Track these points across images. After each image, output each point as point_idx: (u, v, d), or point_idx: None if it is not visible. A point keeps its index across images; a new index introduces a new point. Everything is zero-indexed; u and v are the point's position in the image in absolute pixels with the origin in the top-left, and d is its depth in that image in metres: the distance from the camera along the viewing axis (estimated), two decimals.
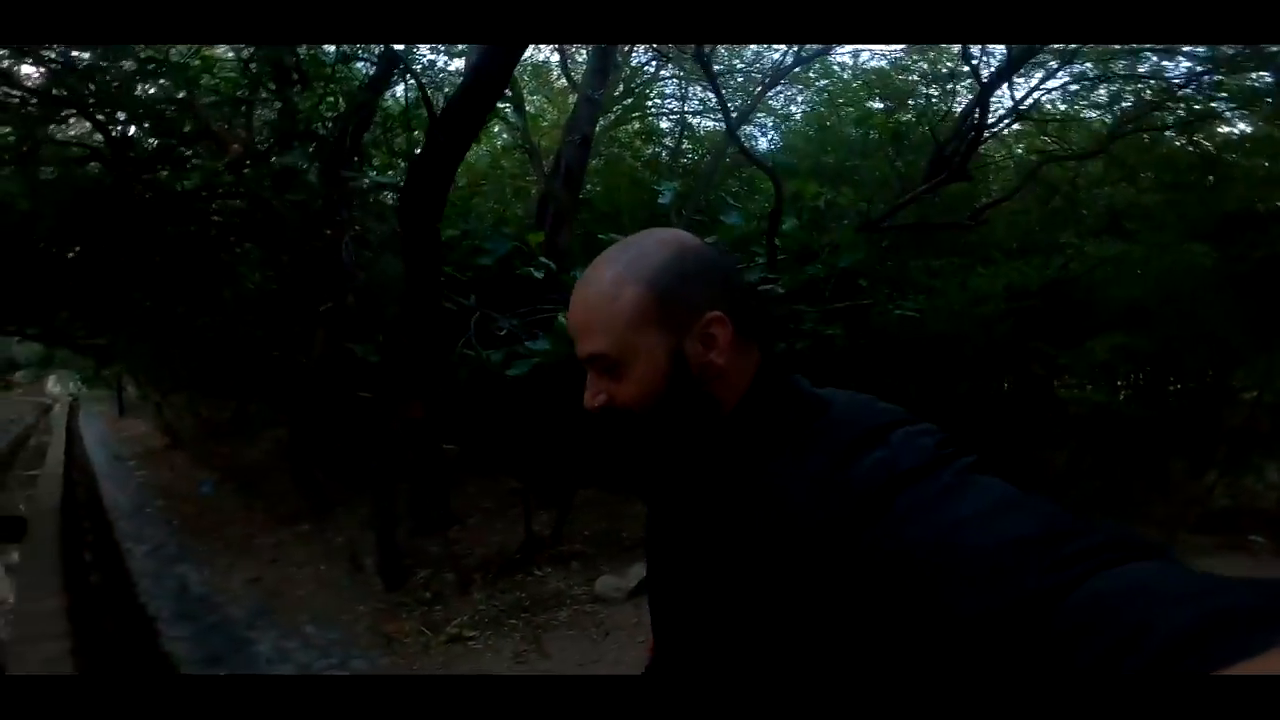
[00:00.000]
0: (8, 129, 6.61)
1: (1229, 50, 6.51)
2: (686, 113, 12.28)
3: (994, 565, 0.60)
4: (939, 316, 6.70)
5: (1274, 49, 6.08)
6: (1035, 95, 7.93)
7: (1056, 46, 6.89)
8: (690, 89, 12.09)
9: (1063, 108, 9.02)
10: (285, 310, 7.93)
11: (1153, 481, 7.63)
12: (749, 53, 11.50)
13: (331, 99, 7.18)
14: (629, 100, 11.45)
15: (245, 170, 6.78)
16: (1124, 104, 8.15)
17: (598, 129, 9.02)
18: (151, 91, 6.46)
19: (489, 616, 5.04)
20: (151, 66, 6.19)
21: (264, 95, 7.21)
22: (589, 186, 9.32)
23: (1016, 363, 7.86)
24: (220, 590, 5.81)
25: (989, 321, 6.73)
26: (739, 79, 11.50)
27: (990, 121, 6.98)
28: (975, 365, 7.45)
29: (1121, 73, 7.72)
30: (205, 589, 5.85)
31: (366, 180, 6.86)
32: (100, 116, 6.59)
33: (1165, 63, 7.54)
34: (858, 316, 6.66)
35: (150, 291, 8.51)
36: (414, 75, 6.26)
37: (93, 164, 7.23)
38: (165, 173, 7.50)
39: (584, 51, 10.15)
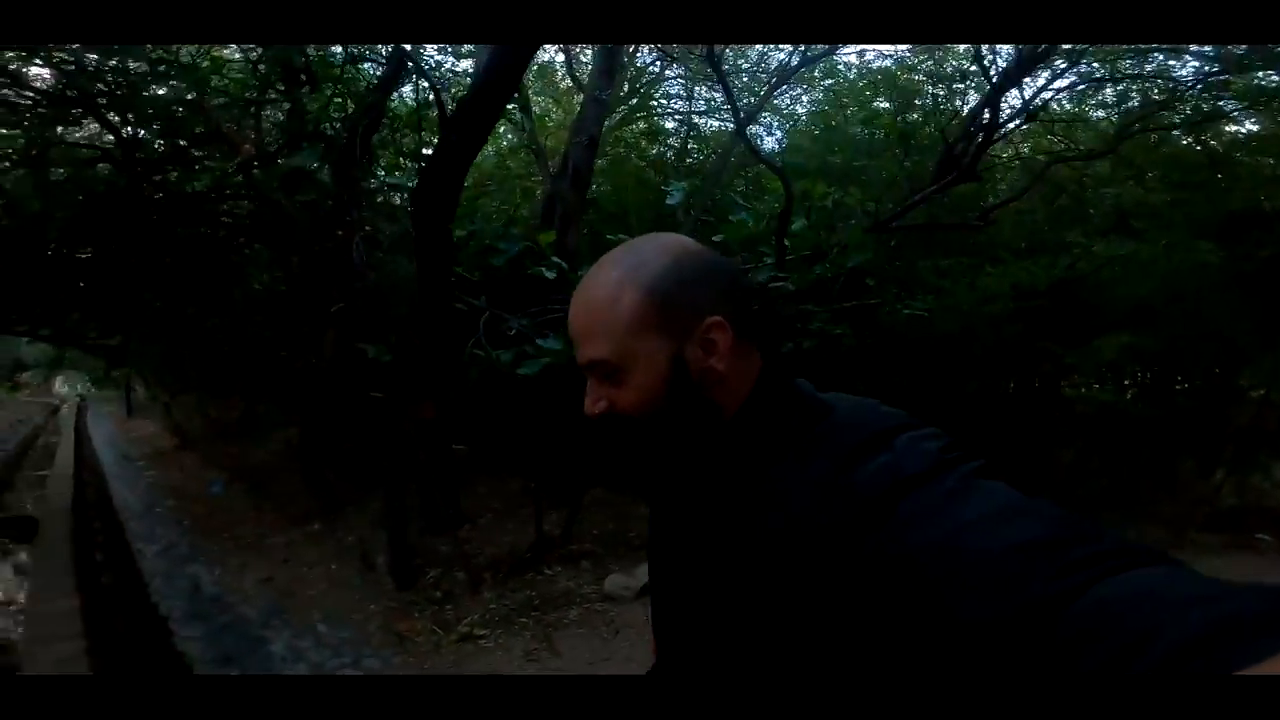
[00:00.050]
0: (16, 131, 6.65)
1: (1236, 50, 6.51)
2: (692, 113, 12.30)
3: (999, 571, 0.59)
4: (947, 316, 6.71)
5: None
6: (1043, 95, 7.92)
7: (1064, 47, 6.88)
8: (696, 89, 12.12)
9: (1069, 107, 9.04)
10: (294, 311, 7.96)
11: (1160, 481, 7.64)
12: (754, 53, 11.54)
13: (339, 100, 7.21)
14: (634, 100, 11.49)
15: (254, 171, 6.82)
16: (1131, 103, 8.17)
17: (603, 129, 9.03)
18: (161, 92, 6.49)
19: (500, 615, 5.06)
20: (162, 68, 6.22)
21: (272, 96, 7.25)
22: (595, 186, 9.35)
23: (1024, 362, 7.86)
24: (233, 590, 5.83)
25: (997, 321, 6.74)
26: (744, 79, 11.52)
27: (1000, 121, 6.98)
28: (983, 365, 7.46)
29: (1129, 72, 7.72)
30: (218, 589, 5.87)
31: (374, 180, 6.88)
32: (114, 117, 6.62)
33: (1172, 62, 7.56)
34: (865, 316, 6.67)
35: (160, 292, 8.54)
36: (427, 76, 6.27)
37: (103, 165, 7.26)
38: (175, 174, 7.53)
39: (588, 51, 10.18)
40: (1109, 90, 8.28)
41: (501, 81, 4.83)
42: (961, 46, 8.84)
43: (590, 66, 9.56)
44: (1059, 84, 8.12)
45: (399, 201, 7.69)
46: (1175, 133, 7.85)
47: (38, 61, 6.28)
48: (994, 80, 6.77)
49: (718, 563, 0.83)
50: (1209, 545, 6.13)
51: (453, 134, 4.95)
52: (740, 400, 0.85)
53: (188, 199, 7.66)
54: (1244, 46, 6.34)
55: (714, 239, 6.10)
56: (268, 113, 7.50)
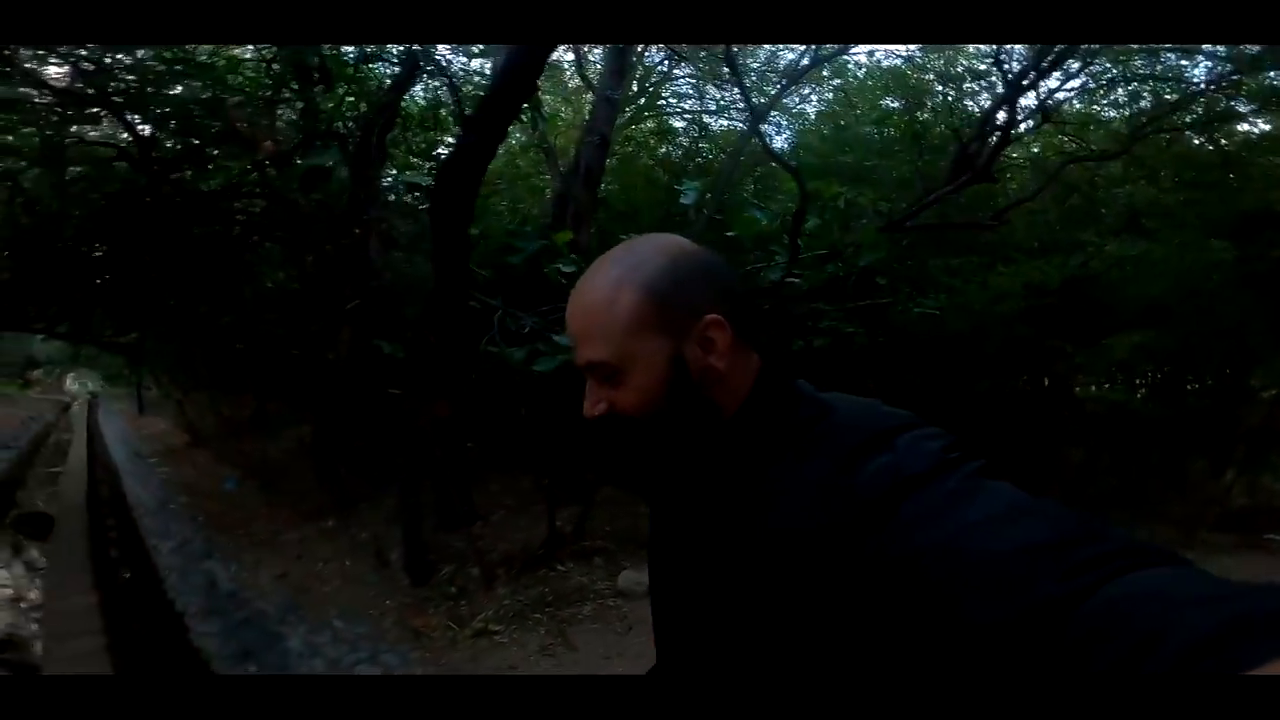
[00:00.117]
0: (31, 129, 6.71)
1: (1249, 50, 6.51)
2: (702, 112, 12.31)
3: (1006, 572, 0.58)
4: (958, 315, 6.72)
5: None
6: (1056, 96, 7.92)
7: (1077, 47, 6.88)
8: (706, 88, 12.13)
9: (1079, 108, 9.03)
10: (308, 308, 8.00)
11: (1170, 480, 7.64)
12: (762, 53, 11.54)
13: (352, 99, 7.25)
14: (643, 99, 11.51)
15: (268, 169, 6.87)
16: (1143, 103, 8.16)
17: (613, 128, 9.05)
18: (178, 91, 6.54)
19: (514, 611, 5.08)
20: (179, 68, 6.27)
21: (286, 95, 7.29)
22: (604, 185, 9.37)
23: (1035, 361, 7.86)
24: (248, 586, 5.86)
25: (1009, 320, 6.75)
26: (752, 78, 11.52)
27: (1015, 122, 6.99)
28: (994, 364, 7.47)
29: (1141, 72, 7.72)
30: (233, 585, 5.89)
31: (390, 178, 6.92)
32: (134, 117, 6.67)
33: (1184, 62, 7.55)
34: (877, 315, 6.68)
35: (175, 290, 8.60)
36: (447, 76, 6.31)
37: (120, 163, 7.32)
38: (190, 173, 7.59)
39: (596, 50, 10.19)
40: (1121, 90, 8.27)
41: (520, 81, 4.84)
42: (971, 47, 8.85)
43: (598, 65, 9.59)
44: (1072, 84, 8.13)
45: (410, 200, 7.74)
46: (1187, 133, 7.83)
47: (55, 61, 6.34)
48: (1009, 81, 6.77)
49: (717, 563, 0.83)
50: (1220, 545, 6.13)
51: (472, 133, 4.98)
52: (740, 400, 0.85)
53: (203, 197, 7.72)
54: (1256, 47, 6.34)
55: (727, 234, 6.13)
56: (280, 112, 7.55)
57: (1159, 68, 7.65)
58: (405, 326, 5.92)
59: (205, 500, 9.18)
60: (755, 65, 11.57)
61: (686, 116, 12.46)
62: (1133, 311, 6.88)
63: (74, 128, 7.02)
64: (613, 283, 0.83)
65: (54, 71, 6.62)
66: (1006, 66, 6.97)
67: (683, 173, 9.83)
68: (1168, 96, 7.79)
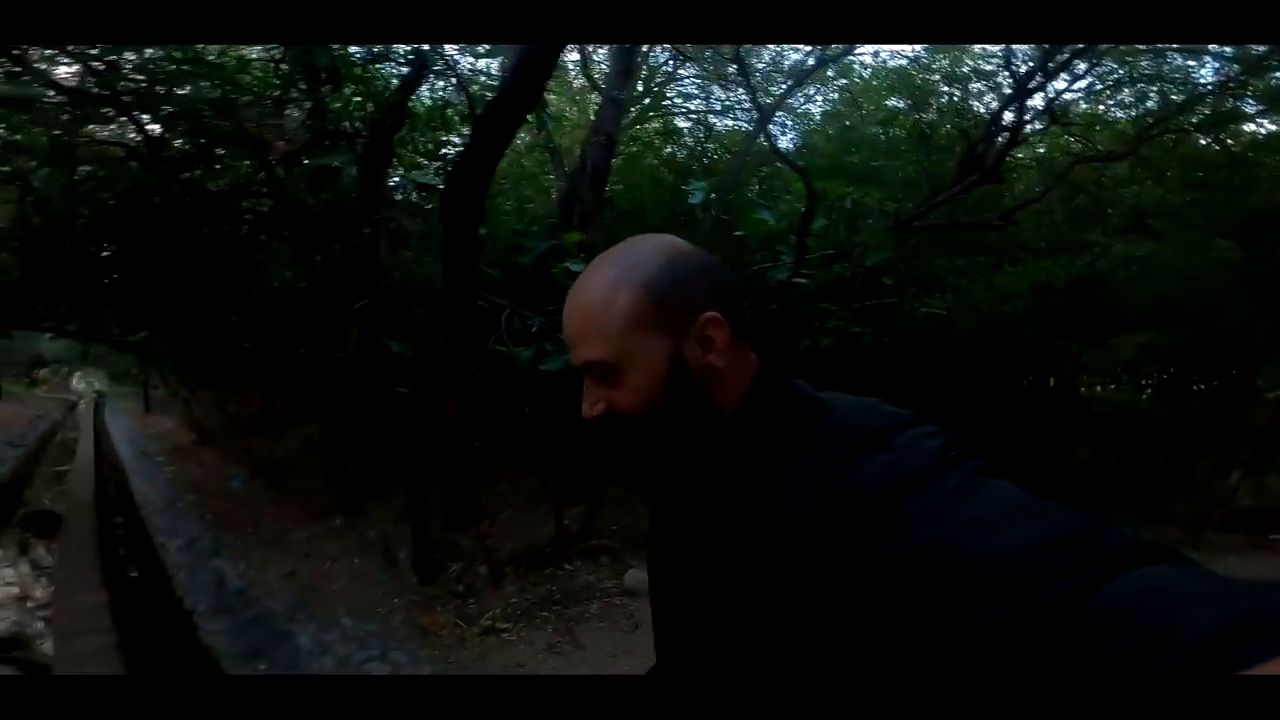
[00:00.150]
0: (41, 129, 6.74)
1: (1255, 50, 6.51)
2: (707, 112, 12.31)
3: (1008, 571, 0.58)
4: (965, 315, 6.73)
5: None
6: (1064, 96, 7.93)
7: (1085, 48, 6.89)
8: (711, 88, 12.14)
9: (1086, 108, 9.03)
10: (316, 308, 8.03)
11: (1176, 481, 7.64)
12: (767, 53, 11.55)
13: (360, 99, 7.28)
14: (648, 100, 11.52)
15: (276, 168, 6.89)
16: (1149, 104, 8.16)
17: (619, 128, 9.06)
18: (187, 90, 6.57)
19: (521, 609, 5.10)
20: (188, 68, 6.30)
21: (294, 95, 7.32)
22: (610, 186, 9.37)
23: (1041, 361, 7.87)
24: (256, 584, 5.89)
25: (1015, 320, 6.75)
26: (757, 78, 11.52)
27: (1022, 122, 6.99)
28: (1001, 363, 7.47)
29: (1147, 73, 7.72)
30: (242, 583, 5.92)
31: (398, 178, 6.94)
32: (144, 116, 6.71)
33: (1191, 63, 7.55)
34: (884, 315, 6.69)
35: (184, 289, 8.64)
36: (458, 77, 6.33)
37: (129, 163, 7.35)
38: (199, 172, 7.62)
39: (601, 51, 10.21)
40: (1127, 91, 8.27)
41: (530, 81, 4.85)
42: (977, 47, 8.86)
43: (604, 66, 9.60)
44: (1079, 85, 8.13)
45: (416, 199, 7.77)
46: (1194, 133, 7.83)
47: (65, 60, 6.37)
48: (1016, 82, 6.78)
49: (716, 562, 0.83)
50: (1225, 545, 6.14)
51: (482, 133, 5.00)
52: (738, 399, 0.85)
53: (212, 197, 7.75)
54: (1263, 47, 6.34)
55: (736, 234, 6.14)
56: (288, 112, 7.58)
57: (1165, 68, 7.65)
58: (413, 326, 5.93)
59: (212, 498, 9.21)
60: (760, 66, 11.59)
61: (692, 116, 12.48)
62: (1139, 312, 6.89)
63: (84, 127, 7.05)
64: (610, 282, 0.83)
65: (64, 71, 6.67)
66: (1014, 66, 6.97)
67: (688, 173, 9.83)
68: (1174, 97, 7.80)
